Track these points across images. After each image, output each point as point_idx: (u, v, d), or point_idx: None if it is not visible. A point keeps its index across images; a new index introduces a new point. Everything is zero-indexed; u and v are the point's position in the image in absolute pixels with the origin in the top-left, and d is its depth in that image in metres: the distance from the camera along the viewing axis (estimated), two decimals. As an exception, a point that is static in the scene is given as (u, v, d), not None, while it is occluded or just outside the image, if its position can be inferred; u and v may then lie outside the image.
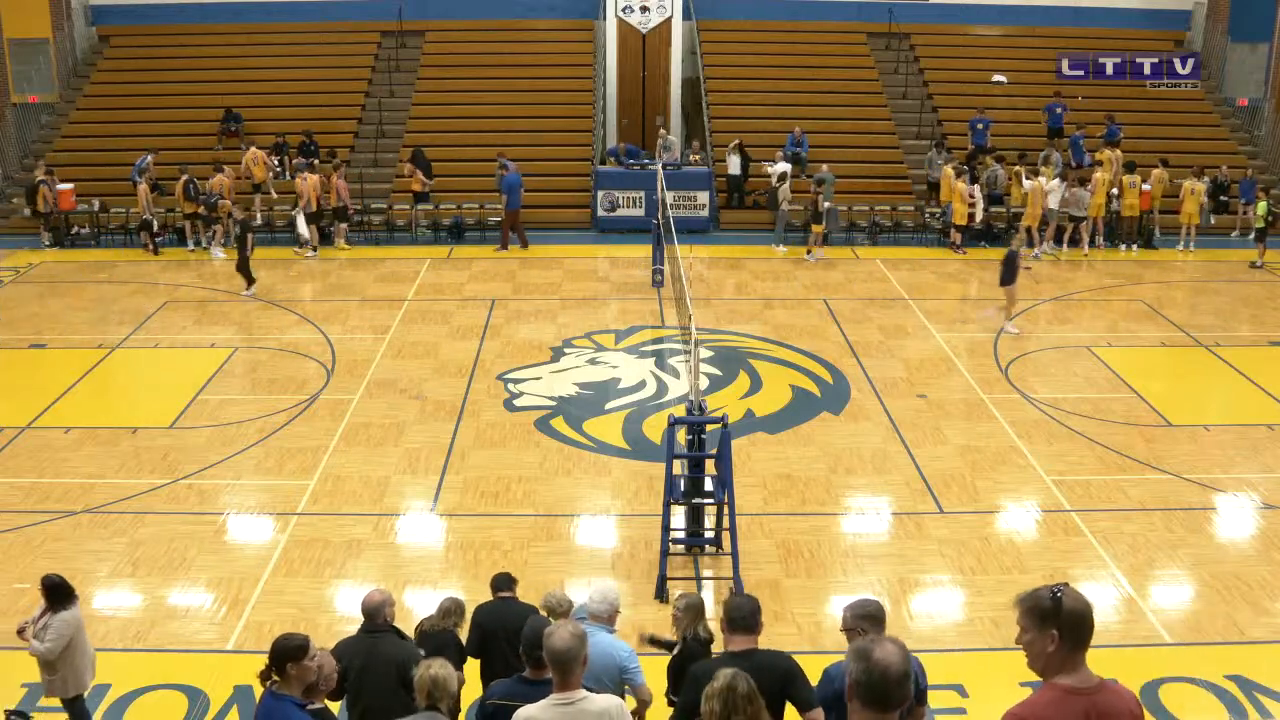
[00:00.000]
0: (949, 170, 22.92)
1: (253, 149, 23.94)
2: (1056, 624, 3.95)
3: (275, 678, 5.84)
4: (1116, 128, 25.17)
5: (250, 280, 19.67)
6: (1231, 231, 24.20)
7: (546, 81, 27.14)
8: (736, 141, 24.52)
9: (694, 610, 7.16)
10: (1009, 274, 17.43)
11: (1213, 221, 24.04)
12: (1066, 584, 4.10)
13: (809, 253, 22.37)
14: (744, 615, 5.89)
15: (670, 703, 6.80)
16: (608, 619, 7.04)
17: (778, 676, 5.53)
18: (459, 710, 6.75)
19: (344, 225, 22.89)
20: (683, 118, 28.01)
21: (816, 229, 22.22)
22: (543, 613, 7.43)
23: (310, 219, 22.22)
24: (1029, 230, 22.68)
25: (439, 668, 5.83)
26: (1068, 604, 3.96)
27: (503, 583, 7.96)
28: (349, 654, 6.99)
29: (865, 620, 5.89)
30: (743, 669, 5.01)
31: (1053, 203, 22.37)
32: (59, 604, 7.97)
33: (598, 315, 18.71)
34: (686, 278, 17.98)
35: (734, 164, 24.45)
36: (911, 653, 6.07)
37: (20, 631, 8.07)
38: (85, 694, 8.28)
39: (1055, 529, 11.74)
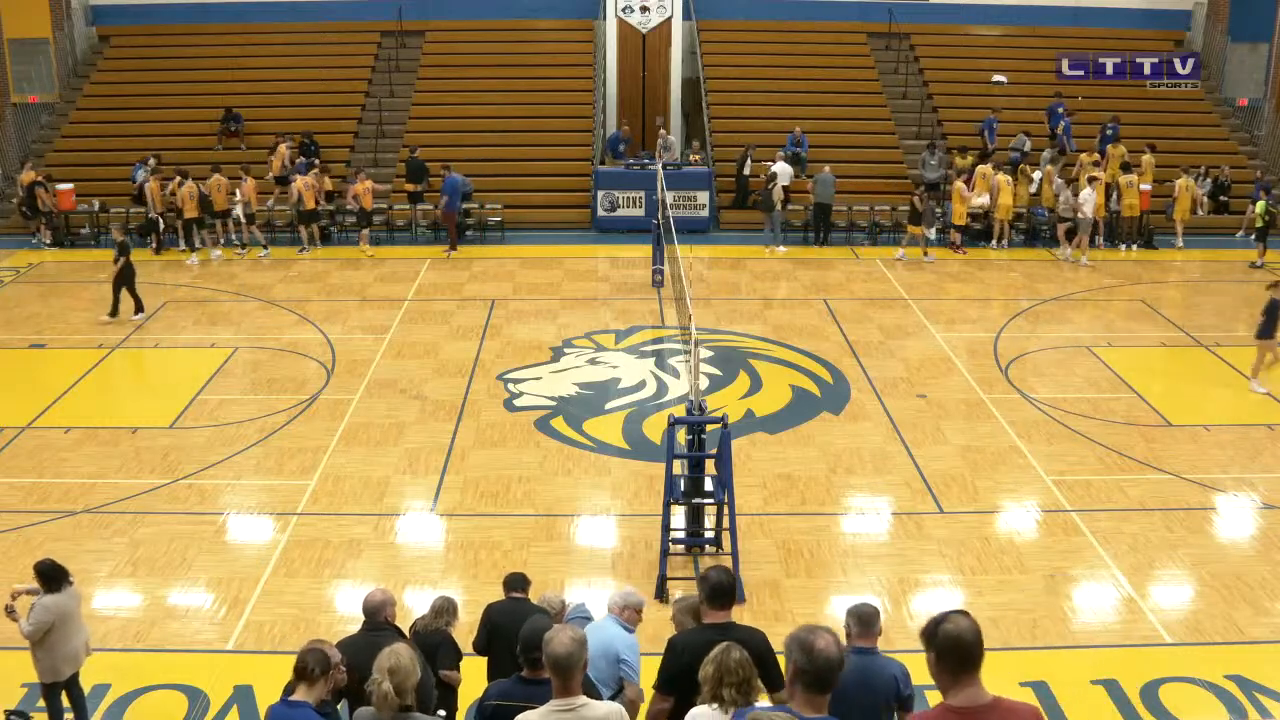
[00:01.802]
0: (995, 173, 22.94)
1: (281, 146, 24.04)
2: (934, 647, 4.23)
3: (296, 688, 5.78)
4: (1116, 126, 25.16)
5: (116, 307, 17.90)
6: (1237, 232, 24.17)
7: (546, 81, 27.15)
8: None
9: (692, 611, 7.19)
10: (1269, 326, 15.41)
11: (1201, 212, 24.18)
12: (962, 611, 4.34)
13: (902, 253, 22.23)
14: (726, 591, 6.06)
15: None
16: (619, 611, 7.13)
17: (752, 650, 5.67)
18: (431, 702, 6.72)
19: (365, 230, 22.44)
20: (683, 118, 28.01)
21: (915, 230, 22.12)
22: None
23: (189, 224, 21.92)
24: (1000, 224, 22.79)
25: (390, 658, 5.53)
26: (944, 629, 4.23)
27: (516, 583, 7.94)
28: (349, 651, 6.99)
29: (851, 618, 6.15)
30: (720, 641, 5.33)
31: (1087, 210, 21.86)
32: (48, 589, 8.07)
33: (598, 315, 18.70)
34: (686, 278, 17.98)
35: (750, 165, 24.47)
36: (898, 659, 6.15)
37: (9, 607, 8.10)
38: (60, 682, 8.23)
39: (1055, 529, 11.73)
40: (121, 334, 17.61)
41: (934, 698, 4.59)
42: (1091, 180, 22.31)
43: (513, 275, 21.00)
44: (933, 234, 23.08)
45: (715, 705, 5.02)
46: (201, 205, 21.98)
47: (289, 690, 5.93)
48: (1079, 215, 22.04)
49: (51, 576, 8.09)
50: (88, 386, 15.74)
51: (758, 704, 5.02)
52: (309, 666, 5.80)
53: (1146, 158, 23.73)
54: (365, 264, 21.66)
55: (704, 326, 17.18)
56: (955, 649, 4.21)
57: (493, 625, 7.63)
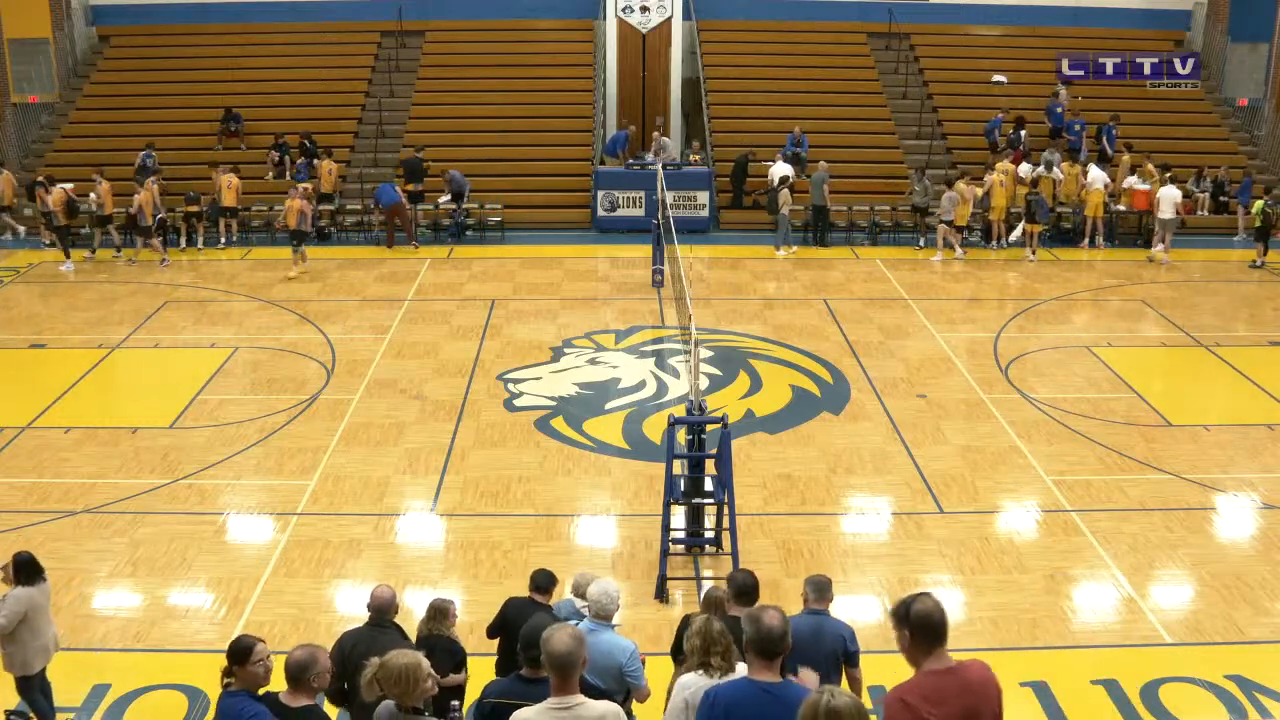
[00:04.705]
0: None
1: (328, 160, 24.09)
2: (908, 625, 4.76)
3: (228, 679, 6.00)
4: (1110, 127, 25.18)
5: None
6: (1236, 234, 24.13)
7: (546, 81, 27.14)
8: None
9: (713, 603, 7.40)
10: None
11: (1201, 212, 24.27)
12: (927, 593, 4.89)
13: (1032, 252, 22.14)
14: (749, 590, 7.03)
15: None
16: (608, 617, 7.08)
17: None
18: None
19: (302, 245, 21.12)
20: (683, 118, 28.00)
21: (1032, 228, 22.01)
22: (571, 594, 7.90)
23: (58, 231, 21.49)
24: (996, 225, 22.82)
25: (400, 658, 5.57)
26: (916, 608, 4.76)
27: (541, 584, 8.00)
28: (351, 643, 7.01)
29: (808, 586, 7.27)
30: None
31: (1165, 211, 21.72)
32: (21, 582, 8.06)
33: (598, 315, 18.70)
34: (686, 278, 17.98)
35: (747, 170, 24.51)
36: (843, 621, 7.16)
37: None
38: (33, 677, 8.21)
39: (1055, 529, 11.73)
40: (121, 334, 17.61)
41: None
42: (1171, 180, 22.18)
43: (513, 275, 21.00)
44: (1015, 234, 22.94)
45: (701, 671, 5.73)
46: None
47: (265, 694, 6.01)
48: (1157, 214, 21.82)
49: (29, 570, 8.09)
50: (88, 386, 15.73)
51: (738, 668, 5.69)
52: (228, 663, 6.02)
53: (1125, 158, 23.72)
54: (365, 264, 21.65)
55: (704, 326, 17.18)
56: (927, 626, 4.73)
57: (505, 619, 7.83)
